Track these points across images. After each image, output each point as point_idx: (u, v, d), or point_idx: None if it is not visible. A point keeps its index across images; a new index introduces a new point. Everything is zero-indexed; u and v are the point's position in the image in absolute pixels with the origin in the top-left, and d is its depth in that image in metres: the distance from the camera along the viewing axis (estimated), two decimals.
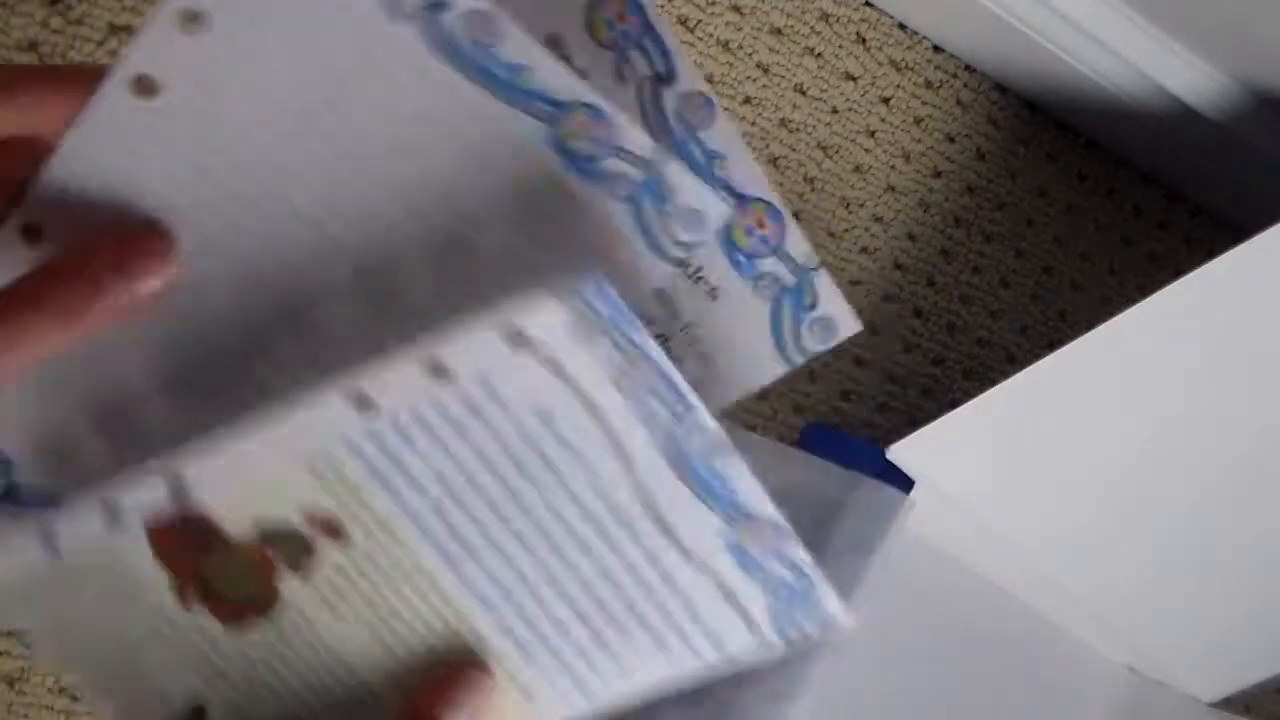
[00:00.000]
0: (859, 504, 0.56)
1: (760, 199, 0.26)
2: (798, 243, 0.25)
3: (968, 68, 0.86)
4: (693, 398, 0.25)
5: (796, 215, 0.80)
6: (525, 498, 0.27)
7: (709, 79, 0.78)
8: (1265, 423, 0.63)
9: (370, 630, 0.29)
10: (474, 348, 0.25)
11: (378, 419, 0.26)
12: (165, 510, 0.27)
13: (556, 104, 0.24)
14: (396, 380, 0.25)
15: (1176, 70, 0.79)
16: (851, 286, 0.82)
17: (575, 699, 0.29)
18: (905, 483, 0.59)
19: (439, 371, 0.25)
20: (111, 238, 0.25)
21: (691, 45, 0.77)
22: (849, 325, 0.26)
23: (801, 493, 0.58)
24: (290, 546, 0.28)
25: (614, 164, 0.24)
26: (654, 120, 0.26)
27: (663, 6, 0.76)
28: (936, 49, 0.85)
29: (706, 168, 0.25)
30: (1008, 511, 0.62)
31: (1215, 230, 0.94)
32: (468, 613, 0.28)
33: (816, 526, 0.56)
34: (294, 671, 0.29)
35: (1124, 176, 0.91)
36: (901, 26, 0.83)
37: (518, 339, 0.24)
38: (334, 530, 0.27)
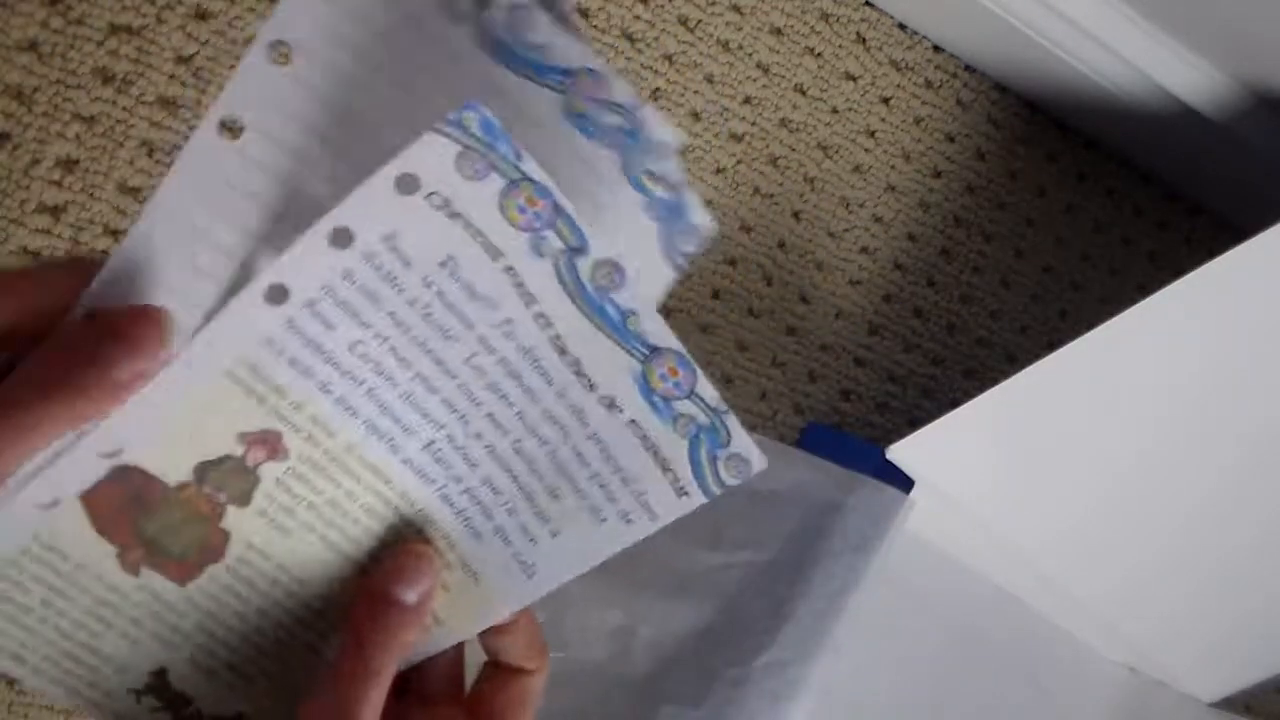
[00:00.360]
0: (859, 504, 0.56)
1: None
2: (675, 169, 0.29)
3: (968, 68, 0.86)
4: (585, 227, 0.25)
5: (796, 215, 0.81)
6: (445, 358, 0.27)
7: (709, 79, 0.78)
8: (1265, 423, 0.63)
9: (321, 538, 0.28)
10: (368, 201, 0.25)
11: (291, 304, 0.26)
12: (98, 474, 0.26)
13: (567, 73, 0.26)
14: (303, 258, 0.25)
15: (1176, 70, 0.79)
16: (851, 286, 0.82)
17: (518, 579, 0.29)
18: (905, 483, 0.59)
19: (341, 237, 0.25)
20: (111, 314, 0.25)
21: (692, 45, 0.77)
22: (709, 227, 0.29)
23: (801, 493, 0.58)
24: (235, 479, 0.27)
25: (608, 117, 0.27)
26: None
27: (663, 6, 0.76)
28: (936, 49, 0.85)
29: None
30: (1008, 511, 0.62)
31: (1215, 230, 0.94)
32: (411, 491, 0.28)
33: (816, 526, 0.56)
34: (253, 607, 0.29)
35: (1124, 176, 0.91)
36: (901, 26, 0.83)
37: (407, 182, 0.25)
38: (273, 447, 0.27)
